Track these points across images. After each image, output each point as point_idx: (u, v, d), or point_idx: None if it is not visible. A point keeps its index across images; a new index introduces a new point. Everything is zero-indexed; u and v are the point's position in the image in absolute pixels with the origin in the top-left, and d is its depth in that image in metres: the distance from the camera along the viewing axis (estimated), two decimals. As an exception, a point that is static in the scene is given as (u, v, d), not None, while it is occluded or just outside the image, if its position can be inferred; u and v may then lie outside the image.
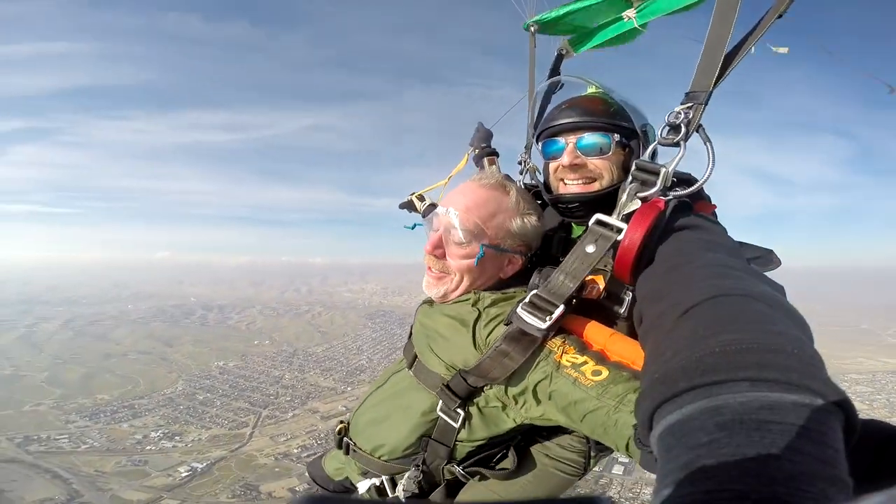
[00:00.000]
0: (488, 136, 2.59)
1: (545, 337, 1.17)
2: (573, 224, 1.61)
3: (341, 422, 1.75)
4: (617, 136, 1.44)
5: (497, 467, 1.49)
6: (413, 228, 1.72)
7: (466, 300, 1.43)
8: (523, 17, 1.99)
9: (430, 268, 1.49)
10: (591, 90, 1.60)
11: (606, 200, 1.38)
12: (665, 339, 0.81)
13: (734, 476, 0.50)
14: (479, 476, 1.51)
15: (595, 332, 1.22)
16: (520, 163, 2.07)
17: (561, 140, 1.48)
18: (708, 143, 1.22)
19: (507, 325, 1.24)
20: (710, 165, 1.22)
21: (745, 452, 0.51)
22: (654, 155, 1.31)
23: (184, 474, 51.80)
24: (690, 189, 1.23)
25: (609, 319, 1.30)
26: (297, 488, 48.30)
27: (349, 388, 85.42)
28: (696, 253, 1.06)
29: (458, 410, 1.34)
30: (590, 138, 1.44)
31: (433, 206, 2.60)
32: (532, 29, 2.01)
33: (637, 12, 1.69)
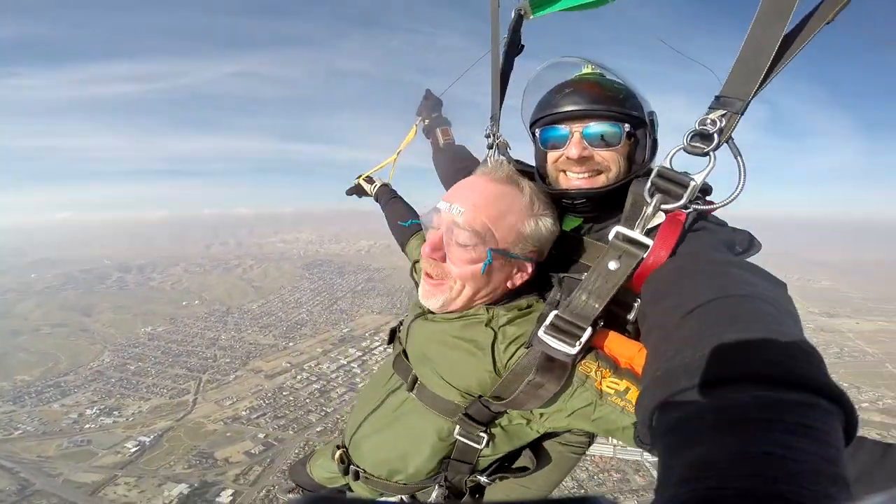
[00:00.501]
0: (438, 104, 2.38)
1: (575, 361, 1.10)
2: (568, 216, 1.45)
3: (338, 447, 1.66)
4: (627, 127, 1.29)
5: (515, 466, 1.48)
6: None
7: (476, 318, 1.30)
8: None
9: (428, 274, 1.32)
10: (586, 70, 1.43)
11: (613, 195, 1.31)
12: (668, 338, 0.82)
13: (736, 474, 0.51)
14: (500, 477, 1.50)
15: (620, 345, 1.14)
16: (487, 136, 1.88)
17: (564, 128, 1.32)
18: (739, 158, 1.08)
19: (527, 347, 1.18)
20: (741, 182, 1.10)
21: (748, 450, 0.52)
22: (654, 150, 1.31)
23: (132, 450, 51.61)
24: (714, 206, 1.15)
25: (616, 323, 1.22)
26: (252, 451, 50.86)
27: (291, 344, 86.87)
28: (702, 253, 1.05)
29: (481, 434, 1.29)
30: (598, 128, 1.29)
31: (385, 185, 2.40)
32: None
33: None
